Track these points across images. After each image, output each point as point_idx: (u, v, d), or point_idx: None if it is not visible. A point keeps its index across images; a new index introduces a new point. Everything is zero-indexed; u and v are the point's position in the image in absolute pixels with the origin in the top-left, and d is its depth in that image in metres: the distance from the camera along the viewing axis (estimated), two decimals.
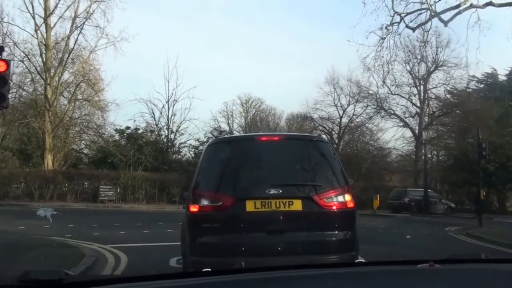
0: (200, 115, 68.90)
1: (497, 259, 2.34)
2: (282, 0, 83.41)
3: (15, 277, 1.77)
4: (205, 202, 6.34)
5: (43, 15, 35.59)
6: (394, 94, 45.32)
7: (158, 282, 1.86)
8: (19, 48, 35.20)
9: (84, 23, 36.45)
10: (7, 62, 12.37)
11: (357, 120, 48.61)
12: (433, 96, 46.24)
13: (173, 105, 41.16)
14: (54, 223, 16.15)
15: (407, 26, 20.98)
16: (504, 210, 39.52)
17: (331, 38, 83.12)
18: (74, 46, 36.91)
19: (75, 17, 36.33)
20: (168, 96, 41.13)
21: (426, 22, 20.93)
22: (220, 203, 6.24)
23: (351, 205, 6.51)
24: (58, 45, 37.16)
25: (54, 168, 35.10)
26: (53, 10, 35.87)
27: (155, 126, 42.06)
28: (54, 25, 36.33)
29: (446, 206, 35.86)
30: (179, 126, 41.51)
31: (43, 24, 35.68)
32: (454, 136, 43.98)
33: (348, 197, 6.47)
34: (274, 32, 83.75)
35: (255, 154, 6.76)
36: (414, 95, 46.07)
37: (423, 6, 20.26)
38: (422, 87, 45.65)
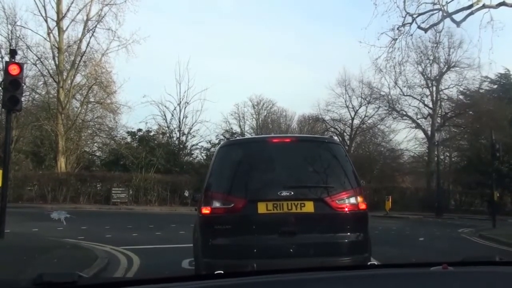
0: (211, 117, 69.49)
1: None
2: (293, 2, 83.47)
3: (29, 279, 1.78)
4: (217, 204, 6.34)
5: (55, 19, 35.90)
6: (406, 95, 45.12)
7: (170, 285, 1.86)
8: (32, 51, 35.53)
9: (96, 26, 36.75)
10: (20, 65, 12.51)
11: (369, 121, 48.55)
12: (446, 97, 45.93)
13: (185, 107, 41.38)
14: (67, 225, 16.32)
15: (419, 27, 20.90)
16: None
17: (343, 40, 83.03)
18: (86, 49, 37.20)
19: (87, 20, 36.60)
20: (180, 98, 41.36)
21: (438, 22, 20.83)
22: (232, 205, 6.24)
23: (363, 206, 6.48)
24: (70, 48, 37.43)
25: (67, 171, 35.34)
26: (66, 14, 36.19)
27: (166, 128, 42.25)
28: (67, 28, 36.66)
29: None
30: (190, 128, 41.70)
31: (56, 28, 35.99)
32: (467, 137, 43.66)
33: (360, 199, 6.45)
34: (285, 34, 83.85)
35: (267, 156, 6.75)
36: (426, 96, 45.77)
37: (435, 7, 20.17)
38: (434, 88, 45.31)
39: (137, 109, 71.80)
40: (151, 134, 41.25)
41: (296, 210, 6.17)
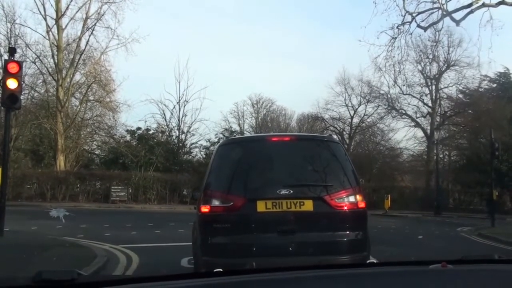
0: (211, 115, 69.48)
1: (510, 260, 2.32)
2: (292, 2, 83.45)
3: (28, 277, 1.78)
4: (216, 203, 6.35)
5: (54, 17, 35.84)
6: (406, 94, 45.10)
7: (169, 283, 1.86)
8: (31, 50, 35.49)
9: (95, 24, 36.73)
10: (19, 64, 12.48)
11: (368, 120, 48.52)
12: (445, 96, 45.92)
13: (184, 106, 41.26)
14: (66, 224, 16.30)
15: (418, 26, 20.92)
16: None
17: (342, 39, 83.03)
18: (85, 47, 37.17)
19: (86, 18, 36.57)
20: (179, 97, 41.25)
21: (438, 21, 20.83)
22: (231, 203, 6.24)
23: (362, 205, 6.49)
24: (69, 46, 37.37)
25: (66, 169, 35.32)
26: (65, 12, 36.15)
27: (166, 127, 42.17)
28: (66, 26, 36.61)
29: None
30: (190, 127, 41.61)
31: (55, 26, 35.94)
32: (466, 136, 43.65)
33: (359, 198, 6.46)
34: (284, 33, 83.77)
35: (266, 154, 6.75)
36: (426, 95, 45.79)
37: (435, 6, 20.19)
38: (433, 87, 45.33)
39: (136, 107, 71.93)
40: (150, 132, 41.24)
41: (295, 209, 6.17)
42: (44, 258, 9.51)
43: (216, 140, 40.19)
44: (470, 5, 18.65)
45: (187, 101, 41.02)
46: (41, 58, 36.21)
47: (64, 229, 15.29)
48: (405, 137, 49.09)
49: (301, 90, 76.41)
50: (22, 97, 14.01)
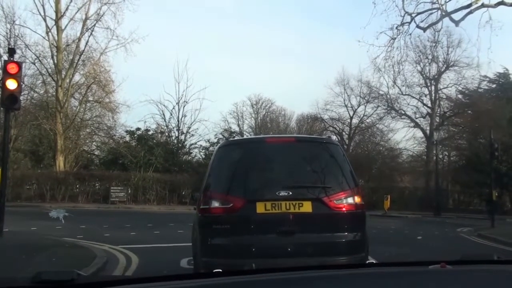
0: (210, 116, 69.08)
1: (510, 260, 2.32)
2: (292, 2, 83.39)
3: (27, 278, 1.78)
4: (215, 204, 6.36)
5: (54, 18, 35.84)
6: (405, 95, 45.06)
7: (169, 283, 1.86)
8: (30, 50, 35.49)
9: (94, 25, 36.73)
10: (19, 64, 12.48)
11: (367, 120, 48.50)
12: (444, 97, 45.88)
13: (183, 106, 41.34)
14: (66, 224, 16.31)
15: (417, 26, 20.95)
16: None
17: (342, 39, 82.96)
18: (85, 48, 37.18)
19: (86, 19, 36.58)
20: (179, 98, 41.33)
21: (437, 22, 20.86)
22: (231, 204, 6.25)
23: (361, 206, 6.51)
24: (69, 47, 37.37)
25: (65, 170, 35.32)
26: (64, 13, 36.15)
27: (165, 127, 42.24)
28: (65, 27, 36.61)
29: None
30: (189, 127, 41.68)
31: (54, 26, 35.94)
32: (465, 137, 43.61)
33: (358, 199, 6.47)
34: (284, 33, 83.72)
35: (266, 156, 6.76)
36: (425, 96, 45.76)
37: (434, 6, 20.21)
38: (433, 88, 45.31)
39: (135, 108, 71.62)
40: (150, 133, 41.28)
41: (294, 210, 6.18)
42: (44, 259, 9.51)
43: (215, 140, 40.26)
44: (469, 5, 18.69)
45: (186, 102, 41.15)
46: (40, 58, 36.27)
47: (64, 230, 15.29)
48: (405, 137, 49.09)
49: (301, 90, 76.31)
50: (21, 97, 14.01)
